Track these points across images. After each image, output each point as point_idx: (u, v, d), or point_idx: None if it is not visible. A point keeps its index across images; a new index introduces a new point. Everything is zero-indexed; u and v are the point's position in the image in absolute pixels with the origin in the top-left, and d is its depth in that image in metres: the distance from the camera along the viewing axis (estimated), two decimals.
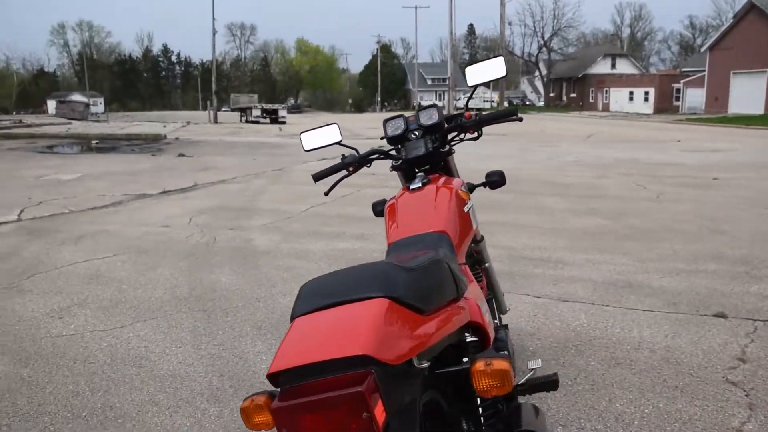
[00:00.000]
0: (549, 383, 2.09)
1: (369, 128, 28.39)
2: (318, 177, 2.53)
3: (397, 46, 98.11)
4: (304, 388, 1.06)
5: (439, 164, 2.44)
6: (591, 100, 57.75)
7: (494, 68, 2.43)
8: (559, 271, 4.71)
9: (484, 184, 2.61)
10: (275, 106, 40.35)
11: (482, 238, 2.72)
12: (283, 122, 36.70)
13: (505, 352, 1.38)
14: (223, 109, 54.78)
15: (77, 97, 53.50)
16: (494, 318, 3.03)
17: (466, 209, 2.17)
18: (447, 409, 1.57)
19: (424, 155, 2.36)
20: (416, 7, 59.76)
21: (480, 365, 1.26)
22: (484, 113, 2.48)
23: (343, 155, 2.52)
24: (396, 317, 1.22)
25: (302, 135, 2.52)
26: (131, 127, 30.84)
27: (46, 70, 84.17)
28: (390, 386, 1.11)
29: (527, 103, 70.99)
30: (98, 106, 57.53)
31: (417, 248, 1.88)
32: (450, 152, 2.43)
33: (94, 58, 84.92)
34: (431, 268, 1.44)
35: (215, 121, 37.32)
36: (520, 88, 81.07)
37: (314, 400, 1.05)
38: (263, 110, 39.26)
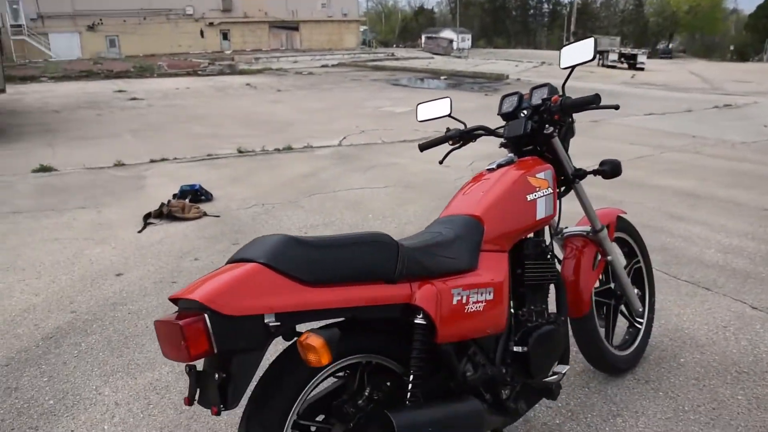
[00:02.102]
0: (544, 390, 2.01)
1: (736, 81, 24.98)
2: (423, 147, 2.63)
3: None
4: (180, 314, 1.37)
5: (541, 146, 2.35)
6: None
7: (584, 51, 2.22)
8: None
9: (595, 172, 2.42)
10: (634, 51, 37.74)
11: (602, 228, 2.53)
12: (641, 69, 34.21)
13: (335, 330, 1.44)
14: None
15: (445, 33, 57.54)
16: (632, 316, 2.81)
17: (531, 197, 2.09)
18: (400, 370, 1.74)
19: (521, 135, 2.30)
20: None
21: (302, 337, 1.41)
22: (567, 99, 2.26)
23: (447, 128, 2.57)
24: (259, 280, 1.42)
25: (418, 106, 2.64)
26: (485, 64, 32.18)
27: (425, 7, 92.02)
28: (224, 331, 1.36)
29: None
30: (465, 42, 60.85)
31: (441, 228, 1.95)
32: (551, 135, 2.30)
33: None
34: (344, 247, 1.57)
35: None
36: None
37: (165, 321, 1.37)
38: (621, 55, 37.09)
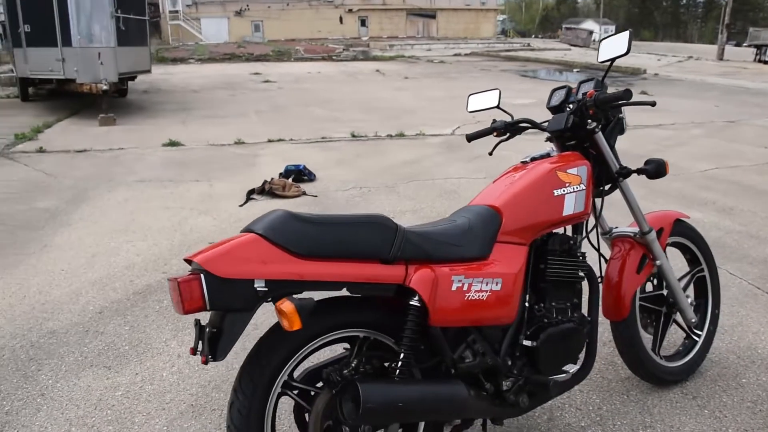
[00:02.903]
0: (541, 385, 1.98)
1: None
2: (471, 137, 2.64)
3: None
4: (189, 274, 1.55)
5: (584, 142, 2.31)
6: None
7: (619, 44, 2.15)
8: None
9: (638, 171, 2.34)
10: None
11: (650, 230, 2.43)
12: None
13: (310, 300, 1.51)
14: (744, 45, 49.12)
15: (586, 24, 55.29)
16: (690, 327, 2.69)
17: (558, 192, 2.07)
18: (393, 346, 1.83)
19: (562, 129, 2.28)
20: None
21: (278, 303, 1.53)
22: (601, 94, 2.19)
23: (493, 120, 2.57)
24: (254, 249, 1.56)
25: (469, 97, 2.66)
26: (624, 58, 30.64)
27: None
28: (219, 290, 1.51)
29: None
30: (609, 33, 58.17)
31: (457, 216, 2.01)
32: (593, 131, 2.25)
33: None
34: (340, 225, 1.67)
35: (721, 58, 33.98)
36: None
37: (172, 278, 1.53)
38: None
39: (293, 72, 21.45)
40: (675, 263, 2.73)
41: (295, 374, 1.77)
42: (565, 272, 2.11)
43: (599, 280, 2.47)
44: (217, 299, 1.52)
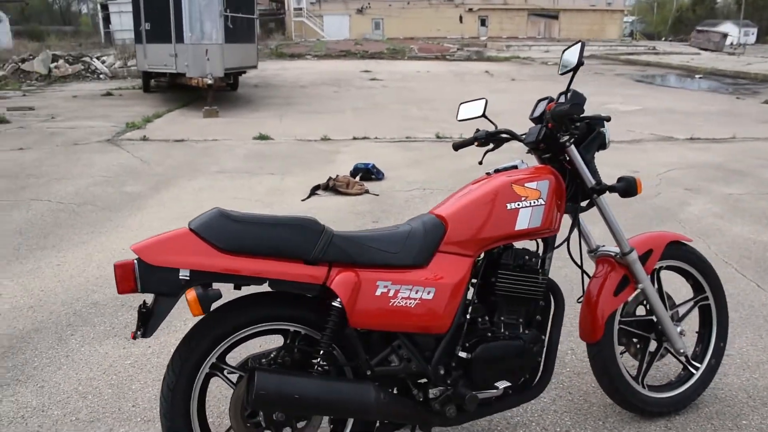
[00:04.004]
0: (465, 399, 1.99)
1: None
2: (457, 146, 2.66)
3: None
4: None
5: (558, 155, 2.30)
6: None
7: (574, 56, 2.11)
8: None
9: (610, 189, 2.28)
10: None
11: (631, 251, 2.37)
12: None
13: (216, 291, 1.71)
14: None
15: (723, 27, 51.59)
16: (687, 359, 2.61)
17: (512, 206, 2.08)
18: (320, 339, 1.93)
19: (534, 141, 2.29)
20: None
21: (187, 291, 1.68)
22: (557, 107, 2.15)
23: (477, 129, 2.58)
24: (182, 241, 1.73)
25: (460, 105, 2.68)
26: (759, 63, 28.48)
27: None
28: (148, 275, 1.70)
29: None
30: (749, 37, 54.28)
31: (404, 223, 2.09)
32: (564, 145, 2.23)
33: None
34: (266, 225, 1.80)
35: None
36: None
37: (116, 262, 1.73)
38: None
39: (402, 70, 21.75)
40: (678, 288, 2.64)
41: (232, 359, 1.94)
42: (518, 287, 2.12)
43: (579, 299, 2.46)
44: (146, 283, 1.72)
